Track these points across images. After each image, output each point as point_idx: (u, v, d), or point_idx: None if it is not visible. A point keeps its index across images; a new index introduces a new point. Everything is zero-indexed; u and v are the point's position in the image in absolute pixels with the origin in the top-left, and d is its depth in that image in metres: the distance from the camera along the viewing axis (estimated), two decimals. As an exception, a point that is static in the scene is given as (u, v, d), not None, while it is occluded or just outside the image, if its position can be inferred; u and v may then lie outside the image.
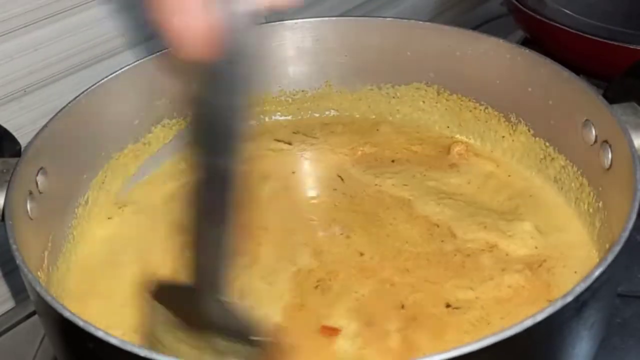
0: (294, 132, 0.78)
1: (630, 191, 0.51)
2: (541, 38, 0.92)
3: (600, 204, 0.60)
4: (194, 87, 0.41)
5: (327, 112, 0.80)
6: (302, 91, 0.79)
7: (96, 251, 0.65)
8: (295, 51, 0.77)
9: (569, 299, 0.44)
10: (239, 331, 0.43)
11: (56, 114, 0.63)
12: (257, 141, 0.76)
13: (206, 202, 0.42)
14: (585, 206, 0.63)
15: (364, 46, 0.76)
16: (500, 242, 0.62)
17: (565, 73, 0.64)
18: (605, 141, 0.59)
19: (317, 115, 0.80)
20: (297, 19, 0.76)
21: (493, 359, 0.42)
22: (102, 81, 0.67)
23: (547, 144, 0.68)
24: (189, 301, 0.44)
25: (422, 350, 0.53)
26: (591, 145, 0.61)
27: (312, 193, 0.71)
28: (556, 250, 0.61)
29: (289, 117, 0.80)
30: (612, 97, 0.60)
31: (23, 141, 0.64)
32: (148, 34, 0.82)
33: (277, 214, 0.67)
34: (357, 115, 0.79)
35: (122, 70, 0.69)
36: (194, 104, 0.42)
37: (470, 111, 0.74)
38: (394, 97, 0.78)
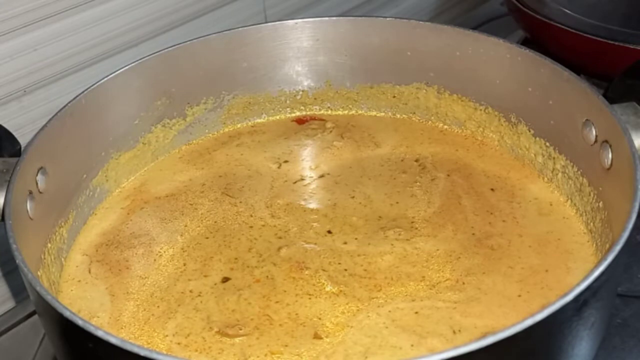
0: (294, 132, 0.78)
1: (630, 191, 0.51)
2: (541, 38, 0.92)
3: (601, 203, 0.60)
4: None
5: (327, 112, 0.80)
6: (302, 91, 0.79)
7: (96, 251, 0.65)
8: (295, 51, 0.77)
9: (569, 298, 0.44)
10: None
11: (56, 114, 0.63)
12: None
13: None
14: (586, 206, 0.63)
15: (364, 46, 0.76)
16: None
17: (566, 73, 0.64)
18: (606, 141, 0.59)
19: (317, 115, 0.80)
20: (297, 19, 0.76)
21: (493, 358, 0.42)
22: (102, 81, 0.67)
23: (548, 144, 0.68)
24: None
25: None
26: (591, 145, 0.61)
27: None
28: (556, 251, 0.61)
29: (289, 117, 0.80)
30: (612, 96, 0.60)
31: (23, 141, 0.64)
32: (148, 34, 0.83)
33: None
34: (358, 115, 0.80)
35: (122, 70, 0.69)
36: None
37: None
38: (394, 97, 0.78)
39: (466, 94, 0.74)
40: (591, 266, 0.54)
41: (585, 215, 0.63)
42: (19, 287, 0.79)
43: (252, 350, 0.54)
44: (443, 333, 0.55)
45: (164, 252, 0.64)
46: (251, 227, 0.66)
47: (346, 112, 0.80)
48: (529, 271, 0.59)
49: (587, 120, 0.62)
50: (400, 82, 0.77)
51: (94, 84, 0.67)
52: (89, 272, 0.63)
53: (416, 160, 0.72)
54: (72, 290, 0.61)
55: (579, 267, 0.59)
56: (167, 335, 0.56)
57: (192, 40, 0.73)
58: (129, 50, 0.81)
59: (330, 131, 0.77)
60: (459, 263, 0.61)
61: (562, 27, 0.87)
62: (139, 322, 0.58)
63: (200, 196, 0.70)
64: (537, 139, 0.69)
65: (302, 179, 0.72)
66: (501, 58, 0.70)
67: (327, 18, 0.76)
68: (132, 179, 0.73)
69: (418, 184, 0.70)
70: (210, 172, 0.73)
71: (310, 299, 0.58)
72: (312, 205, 0.68)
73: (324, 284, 0.59)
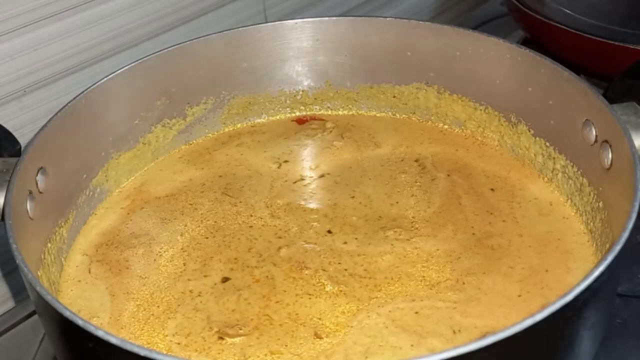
0: (294, 132, 0.78)
1: (630, 191, 0.51)
2: (541, 38, 0.92)
3: (601, 203, 0.60)
4: None
5: (327, 112, 0.80)
6: (302, 91, 0.79)
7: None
8: (295, 51, 0.77)
9: (569, 298, 0.44)
10: None
11: (56, 114, 0.63)
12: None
13: None
14: (586, 206, 0.63)
15: (364, 46, 0.76)
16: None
17: (566, 73, 0.64)
18: (606, 141, 0.59)
19: (317, 115, 0.80)
20: (297, 19, 0.76)
21: (493, 358, 0.42)
22: (102, 81, 0.67)
23: (548, 144, 0.68)
24: None
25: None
26: (591, 145, 0.61)
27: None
28: (556, 251, 0.61)
29: (289, 117, 0.80)
30: (612, 96, 0.60)
31: (23, 141, 0.64)
32: (148, 34, 0.83)
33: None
34: (358, 115, 0.80)
35: (122, 70, 0.69)
36: None
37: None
38: (394, 97, 0.78)
39: (466, 94, 0.74)
40: (591, 266, 0.54)
41: (585, 215, 0.63)
42: (19, 287, 0.79)
43: (252, 350, 0.54)
44: (443, 333, 0.55)
45: (164, 252, 0.64)
46: (251, 227, 0.66)
47: (346, 112, 0.80)
48: (529, 271, 0.59)
49: (587, 120, 0.62)
50: (400, 82, 0.77)
51: (94, 84, 0.67)
52: (89, 272, 0.63)
53: (416, 160, 0.72)
54: (72, 290, 0.61)
55: (579, 267, 0.59)
56: (167, 335, 0.56)
57: (192, 40, 0.73)
58: (129, 50, 0.81)
59: (330, 131, 0.77)
60: (459, 263, 0.61)
61: (562, 27, 0.87)
62: (139, 322, 0.58)
63: (200, 196, 0.70)
64: (537, 139, 0.69)
65: (302, 179, 0.72)
66: (501, 58, 0.70)
67: (327, 18, 0.76)
68: (132, 179, 0.73)
69: (418, 184, 0.70)
70: (210, 172, 0.73)
71: (310, 299, 0.58)
72: (312, 205, 0.68)
73: (324, 284, 0.59)
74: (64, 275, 0.62)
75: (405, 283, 0.59)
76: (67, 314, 0.45)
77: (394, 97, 0.78)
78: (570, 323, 0.46)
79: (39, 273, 0.57)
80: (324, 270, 0.61)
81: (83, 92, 0.66)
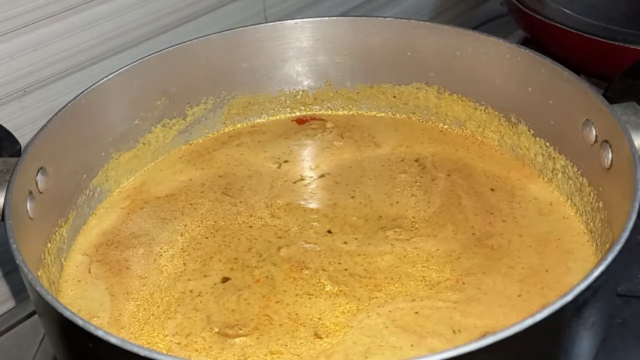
0: (294, 132, 0.78)
1: (630, 191, 0.51)
2: (541, 38, 0.92)
3: (601, 203, 0.60)
4: None
5: (327, 112, 0.80)
6: (302, 91, 0.79)
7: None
8: (295, 51, 0.77)
9: (569, 298, 0.44)
10: None
11: (56, 114, 0.63)
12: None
13: None
14: (586, 206, 0.63)
15: (364, 46, 0.76)
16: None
17: (566, 73, 0.64)
18: (606, 141, 0.59)
19: (317, 115, 0.80)
20: (297, 19, 0.76)
21: (493, 358, 0.42)
22: (102, 81, 0.67)
23: (548, 144, 0.68)
24: None
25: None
26: (591, 145, 0.61)
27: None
28: (556, 251, 0.61)
29: (289, 117, 0.80)
30: (612, 96, 0.60)
31: (23, 141, 0.64)
32: (148, 34, 0.83)
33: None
34: (358, 115, 0.80)
35: (122, 70, 0.69)
36: None
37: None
38: (394, 97, 0.78)
39: (466, 94, 0.74)
40: (591, 266, 0.54)
41: (585, 215, 0.63)
42: (19, 287, 0.79)
43: (252, 350, 0.54)
44: (443, 333, 0.55)
45: (164, 252, 0.64)
46: (251, 227, 0.66)
47: (346, 112, 0.80)
48: (529, 271, 0.59)
49: (587, 120, 0.62)
50: (400, 82, 0.77)
51: (94, 84, 0.67)
52: (89, 272, 0.63)
53: (416, 160, 0.73)
54: (72, 290, 0.61)
55: (579, 267, 0.59)
56: (167, 335, 0.56)
57: (192, 40, 0.73)
58: (129, 50, 0.81)
59: (330, 131, 0.77)
60: (459, 263, 0.61)
61: (562, 27, 0.87)
62: (139, 322, 0.58)
63: (200, 196, 0.70)
64: (537, 139, 0.69)
65: (302, 179, 0.72)
66: (501, 58, 0.70)
67: (327, 18, 0.76)
68: (132, 179, 0.73)
69: (418, 184, 0.70)
70: (210, 172, 0.73)
71: (310, 299, 0.58)
72: (312, 205, 0.68)
73: (324, 283, 0.59)
74: (64, 275, 0.63)
75: (405, 283, 0.59)
76: (67, 314, 0.45)
77: (394, 97, 0.78)
78: (570, 323, 0.46)
79: (39, 273, 0.57)
80: (324, 270, 0.61)
81: (83, 92, 0.66)
